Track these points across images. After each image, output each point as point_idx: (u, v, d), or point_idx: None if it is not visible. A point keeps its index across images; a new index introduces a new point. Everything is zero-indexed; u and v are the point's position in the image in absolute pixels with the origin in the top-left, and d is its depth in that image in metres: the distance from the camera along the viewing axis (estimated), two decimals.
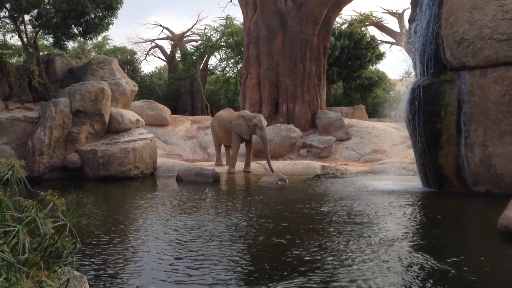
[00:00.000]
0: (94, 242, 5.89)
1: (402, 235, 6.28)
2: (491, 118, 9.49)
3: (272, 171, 13.80)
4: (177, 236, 6.30)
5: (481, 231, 6.95)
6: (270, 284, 4.31)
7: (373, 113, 33.25)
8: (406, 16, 28.15)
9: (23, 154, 12.83)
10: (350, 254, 5.26)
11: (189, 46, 40.31)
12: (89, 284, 3.37)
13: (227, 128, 15.75)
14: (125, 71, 26.41)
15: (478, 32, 9.52)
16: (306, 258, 5.14)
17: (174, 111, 29.57)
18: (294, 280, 4.39)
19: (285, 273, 4.62)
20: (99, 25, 16.16)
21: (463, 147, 9.97)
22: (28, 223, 2.59)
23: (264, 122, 15.23)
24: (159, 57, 43.81)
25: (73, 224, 2.76)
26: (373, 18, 36.66)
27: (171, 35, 41.88)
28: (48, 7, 15.08)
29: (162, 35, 42.46)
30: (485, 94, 9.54)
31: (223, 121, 15.99)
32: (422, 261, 4.98)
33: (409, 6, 12.24)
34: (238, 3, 26.15)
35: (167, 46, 42.74)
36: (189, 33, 40.95)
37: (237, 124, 15.27)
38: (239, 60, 35.26)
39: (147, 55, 42.67)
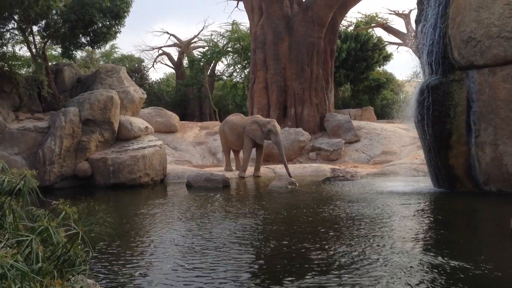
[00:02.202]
0: (107, 250, 5.91)
1: (415, 236, 6.25)
2: (501, 116, 9.43)
3: (290, 176, 13.72)
4: (188, 243, 6.31)
5: (494, 230, 6.89)
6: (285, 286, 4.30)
7: (382, 114, 33.12)
8: (413, 17, 28.10)
9: (34, 164, 12.94)
10: (364, 255, 5.23)
11: (196, 53, 40.50)
12: None
13: (239, 133, 15.71)
14: (133, 79, 26.60)
15: (486, 30, 9.47)
16: (321, 260, 5.12)
17: (182, 118, 29.64)
18: (308, 282, 4.38)
19: (300, 275, 4.60)
20: (107, 34, 16.28)
21: (473, 147, 9.90)
22: (41, 232, 2.61)
23: (278, 127, 15.25)
24: (166, 64, 44.11)
25: (85, 232, 2.78)
26: (379, 20, 36.60)
27: (178, 42, 42.11)
28: (56, 18, 15.21)
29: (169, 42, 42.76)
30: (495, 92, 9.48)
31: (235, 126, 15.95)
32: (434, 261, 4.95)
33: (416, 6, 12.20)
34: (244, 9, 26.25)
35: (174, 53, 43.05)
36: (196, 39, 41.21)
37: (251, 129, 15.25)
38: (246, 65, 35.37)
39: (155, 63, 43.03)
